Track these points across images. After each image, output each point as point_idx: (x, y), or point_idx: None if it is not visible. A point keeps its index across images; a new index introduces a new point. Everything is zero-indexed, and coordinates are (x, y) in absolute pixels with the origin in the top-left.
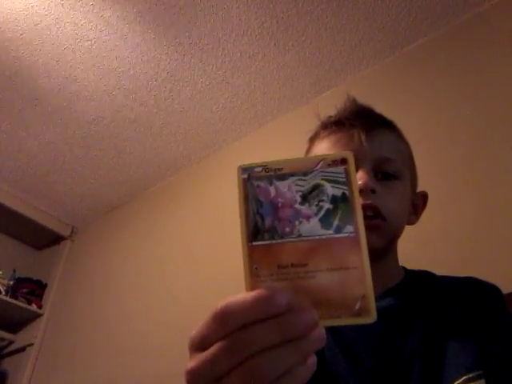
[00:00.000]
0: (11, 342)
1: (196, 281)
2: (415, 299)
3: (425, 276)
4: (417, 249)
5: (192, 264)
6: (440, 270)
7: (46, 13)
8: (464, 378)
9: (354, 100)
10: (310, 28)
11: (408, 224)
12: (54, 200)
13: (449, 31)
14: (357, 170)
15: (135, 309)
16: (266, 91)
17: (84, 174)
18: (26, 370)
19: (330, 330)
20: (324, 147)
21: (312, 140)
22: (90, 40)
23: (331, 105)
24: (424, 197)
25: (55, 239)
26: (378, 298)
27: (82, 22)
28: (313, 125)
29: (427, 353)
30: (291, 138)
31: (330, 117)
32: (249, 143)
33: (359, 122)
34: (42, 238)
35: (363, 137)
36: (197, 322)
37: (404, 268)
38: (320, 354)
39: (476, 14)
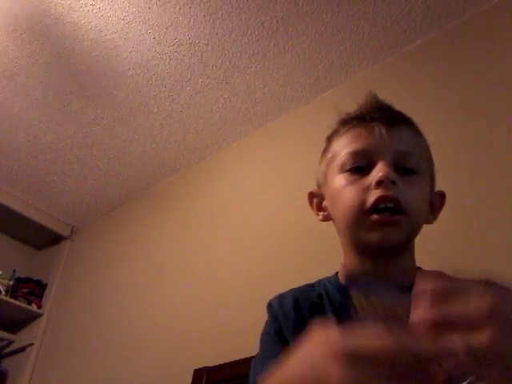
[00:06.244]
0: (11, 342)
1: (195, 281)
2: None
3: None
4: (417, 246)
5: (191, 264)
6: (440, 268)
7: (46, 13)
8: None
9: (375, 95)
10: (309, 28)
11: (425, 223)
12: (54, 200)
13: (449, 31)
14: (377, 163)
15: (135, 308)
16: (266, 91)
17: (84, 174)
18: (26, 370)
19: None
20: (343, 143)
21: (330, 138)
22: (90, 40)
23: (331, 105)
24: (442, 196)
25: (55, 239)
26: None
27: (82, 22)
28: (313, 125)
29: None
30: (291, 138)
31: (350, 113)
32: (249, 143)
33: (380, 115)
34: (42, 238)
35: (384, 130)
36: (196, 322)
37: (419, 268)
38: None
39: (476, 14)
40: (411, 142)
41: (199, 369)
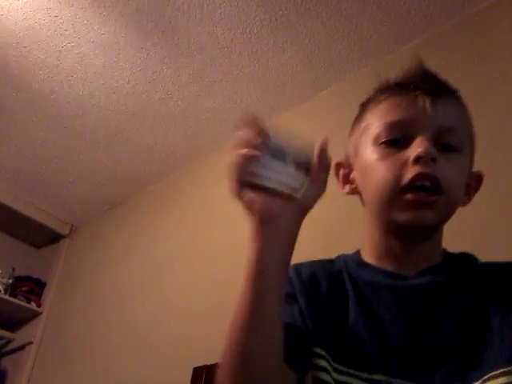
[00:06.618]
0: (10, 341)
1: (194, 279)
2: (454, 279)
3: (466, 258)
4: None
5: (191, 262)
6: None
7: (44, 11)
8: (501, 370)
9: (421, 62)
10: (308, 26)
11: (459, 205)
12: (53, 198)
13: (449, 29)
14: (416, 137)
15: (134, 307)
16: (265, 89)
17: (83, 173)
18: (26, 369)
19: (359, 301)
20: (380, 112)
21: (365, 105)
22: (90, 38)
23: (330, 103)
24: (478, 177)
25: (54, 238)
26: (417, 275)
27: (81, 21)
28: (312, 123)
29: (464, 336)
30: None
31: (389, 79)
32: None
33: (425, 85)
34: (41, 237)
35: (428, 101)
36: (196, 320)
37: (444, 250)
38: (344, 324)
39: (476, 11)
40: (456, 117)
41: (198, 367)
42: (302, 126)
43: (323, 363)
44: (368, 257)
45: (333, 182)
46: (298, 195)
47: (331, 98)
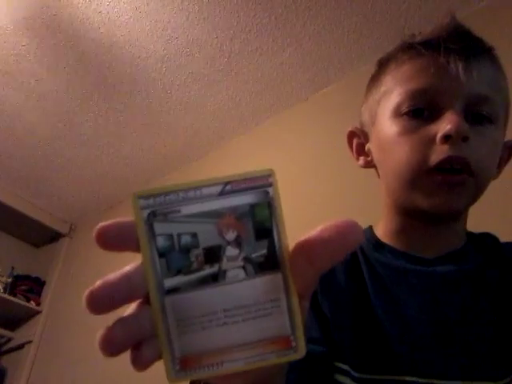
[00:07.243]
0: (10, 340)
1: None
2: (483, 265)
3: (488, 239)
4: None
5: None
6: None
7: (46, 9)
8: None
9: (454, 18)
10: (308, 24)
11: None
12: (53, 197)
13: None
14: (444, 109)
15: None
16: (265, 88)
17: (82, 171)
18: (25, 367)
19: (378, 287)
20: (402, 76)
21: (383, 64)
22: (88, 37)
23: (330, 101)
24: (510, 148)
25: (53, 236)
26: (438, 260)
27: (80, 19)
28: (312, 121)
29: (495, 326)
30: (289, 135)
31: (414, 36)
32: (247, 140)
33: (457, 44)
34: (41, 236)
35: (461, 66)
36: None
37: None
38: (365, 317)
39: (475, 10)
40: (491, 82)
41: None
42: (302, 124)
43: (342, 378)
44: (383, 235)
45: (345, 151)
46: (299, 352)
47: (331, 97)
